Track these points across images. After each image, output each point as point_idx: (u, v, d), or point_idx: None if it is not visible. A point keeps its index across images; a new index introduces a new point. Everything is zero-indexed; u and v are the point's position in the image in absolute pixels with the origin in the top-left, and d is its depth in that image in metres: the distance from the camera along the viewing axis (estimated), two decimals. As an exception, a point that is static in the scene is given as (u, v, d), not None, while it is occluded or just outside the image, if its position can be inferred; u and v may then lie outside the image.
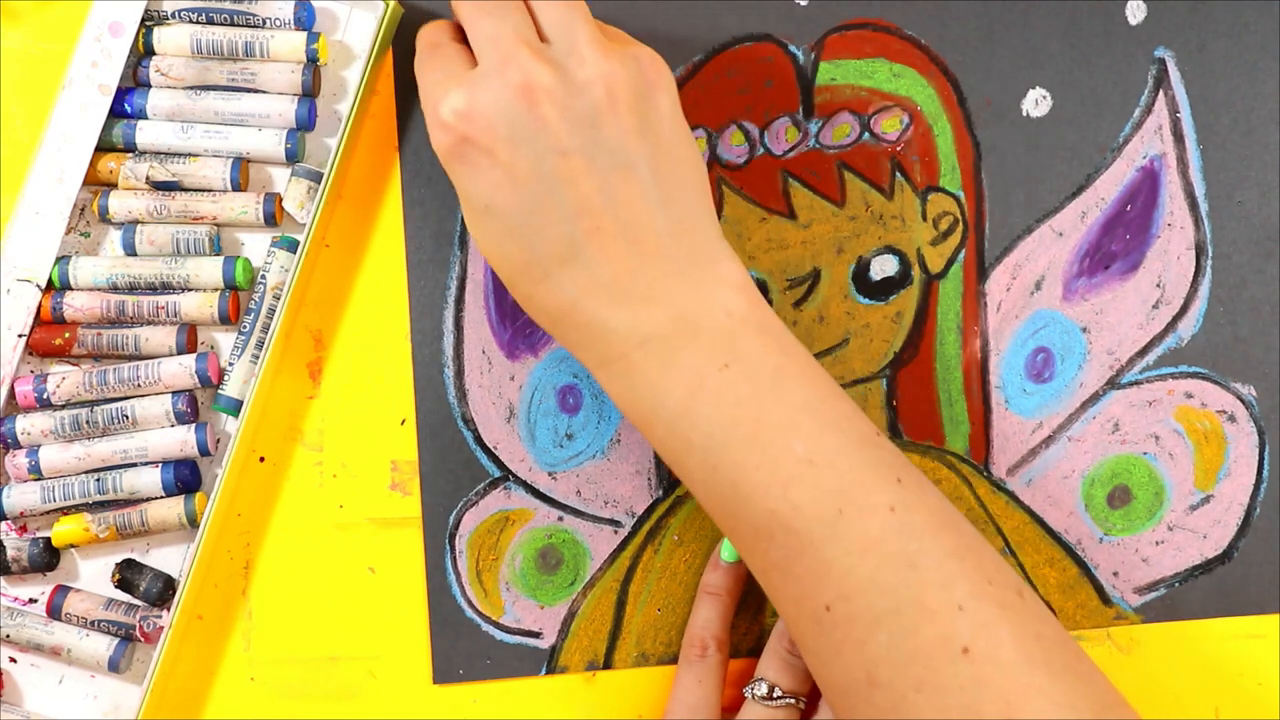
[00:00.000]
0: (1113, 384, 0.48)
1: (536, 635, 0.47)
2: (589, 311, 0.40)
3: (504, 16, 0.40)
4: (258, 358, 0.46)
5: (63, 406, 0.46)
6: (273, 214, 0.47)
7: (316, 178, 0.47)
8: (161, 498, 0.46)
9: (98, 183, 0.47)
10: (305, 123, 0.47)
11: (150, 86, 0.47)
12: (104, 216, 0.47)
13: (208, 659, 0.47)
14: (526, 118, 0.39)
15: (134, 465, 0.46)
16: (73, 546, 0.46)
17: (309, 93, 0.47)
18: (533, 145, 0.39)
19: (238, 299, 0.47)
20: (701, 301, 0.40)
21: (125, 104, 0.47)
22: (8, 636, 0.45)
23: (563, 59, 0.39)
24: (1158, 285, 0.49)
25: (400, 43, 0.48)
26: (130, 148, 0.47)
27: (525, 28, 0.40)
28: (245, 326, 0.46)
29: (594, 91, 0.39)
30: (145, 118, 0.47)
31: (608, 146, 0.39)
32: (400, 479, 0.48)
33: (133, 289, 0.46)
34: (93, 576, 0.47)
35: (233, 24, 0.47)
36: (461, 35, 0.42)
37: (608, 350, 0.40)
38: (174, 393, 0.46)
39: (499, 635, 0.47)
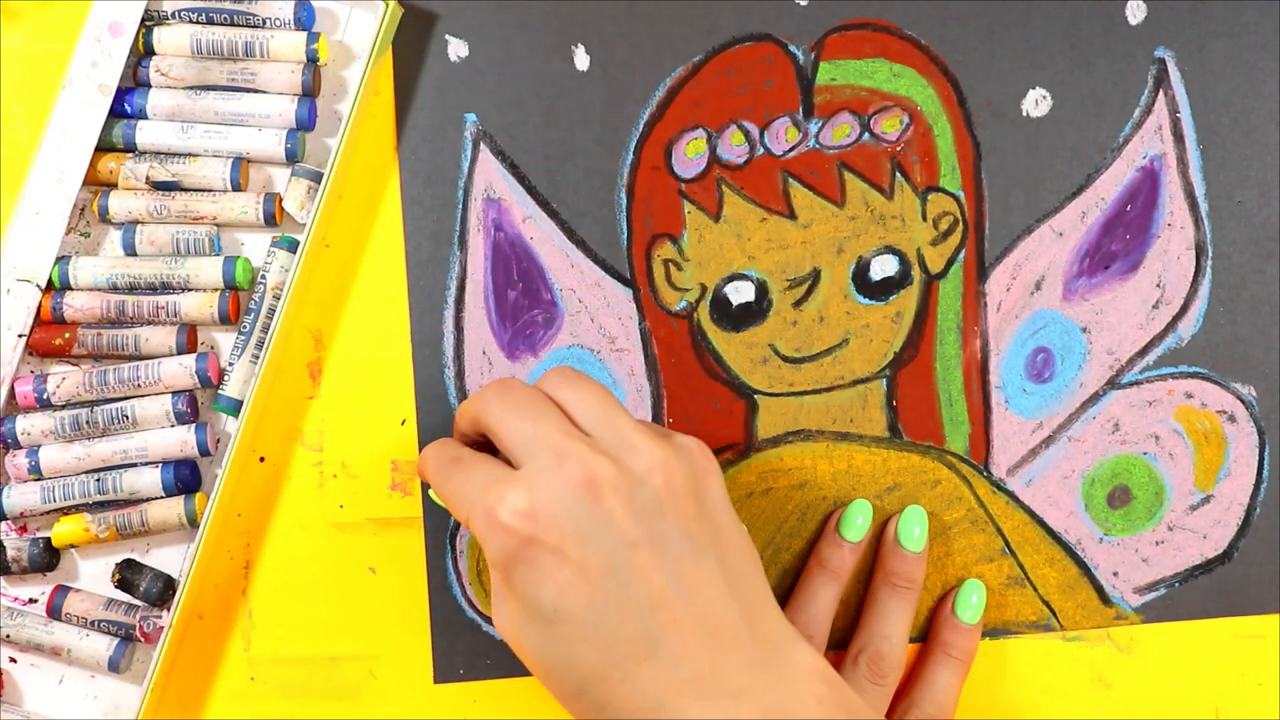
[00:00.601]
0: (1113, 384, 0.48)
1: (536, 635, 0.47)
2: (675, 714, 0.37)
3: (543, 416, 0.39)
4: (258, 358, 0.46)
5: (63, 406, 0.46)
6: (273, 214, 0.47)
7: (316, 178, 0.47)
8: (161, 498, 0.46)
9: (98, 183, 0.47)
10: (305, 123, 0.47)
11: (150, 86, 0.47)
12: (104, 216, 0.47)
13: (208, 659, 0.47)
14: (593, 511, 0.37)
15: (134, 465, 0.46)
16: (73, 546, 0.46)
17: (309, 93, 0.47)
18: (602, 540, 0.37)
19: (238, 299, 0.47)
20: (790, 692, 0.38)
21: (125, 104, 0.47)
22: (8, 636, 0.45)
23: (615, 450, 0.38)
24: (1158, 285, 0.49)
25: (400, 43, 0.48)
26: (130, 148, 0.47)
27: (566, 424, 0.39)
28: (245, 326, 0.46)
29: (654, 480, 0.38)
30: (145, 118, 0.47)
31: (673, 535, 0.38)
32: (400, 479, 0.48)
33: (133, 289, 0.46)
34: (93, 576, 0.47)
35: (233, 24, 0.47)
36: (477, 446, 0.41)
37: None
38: (174, 393, 0.46)
39: (499, 635, 0.47)
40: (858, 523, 0.47)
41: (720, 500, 0.40)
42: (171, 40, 0.47)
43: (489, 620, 0.47)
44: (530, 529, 0.37)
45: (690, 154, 0.48)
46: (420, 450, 0.47)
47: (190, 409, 0.46)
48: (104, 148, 0.47)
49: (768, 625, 0.39)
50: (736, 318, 0.48)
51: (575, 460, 0.37)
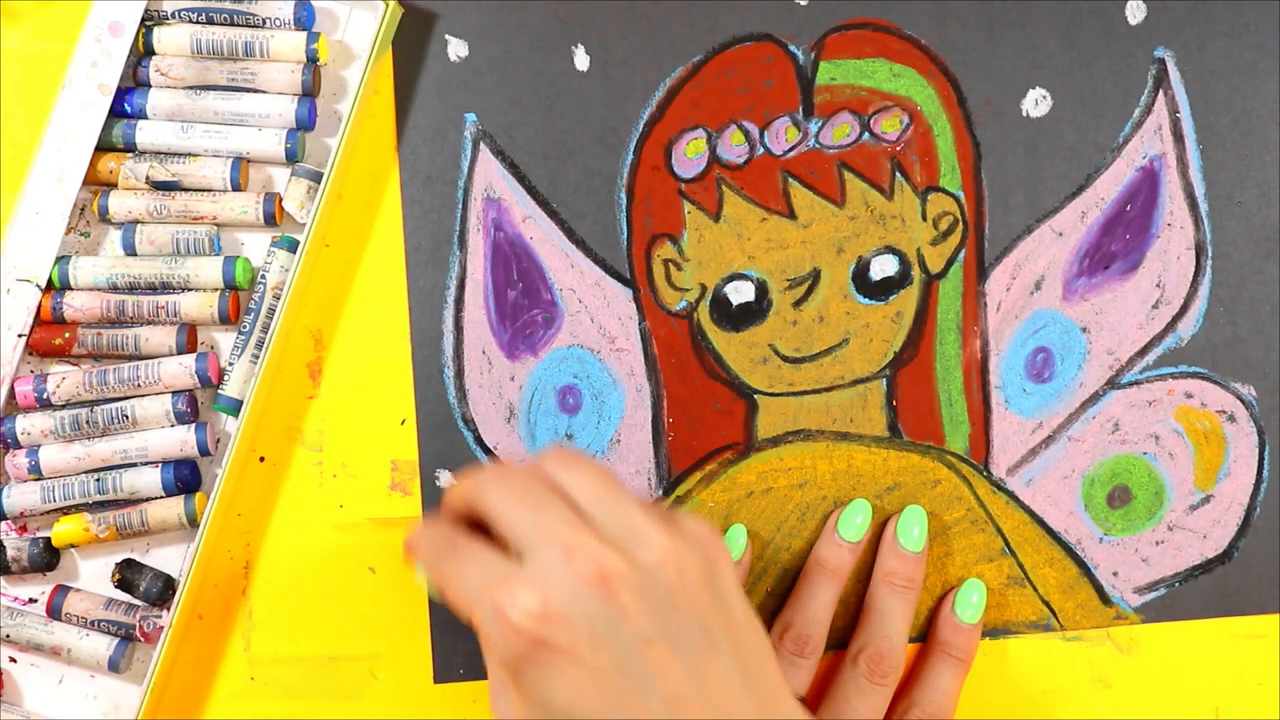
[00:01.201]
0: (1113, 384, 0.48)
1: (536, 635, 0.47)
2: None
3: (546, 505, 0.37)
4: (258, 358, 0.46)
5: (63, 406, 0.46)
6: (273, 214, 0.47)
7: (316, 178, 0.47)
8: (161, 498, 0.46)
9: (98, 183, 0.47)
10: (305, 123, 0.47)
11: (150, 86, 0.47)
12: (104, 216, 0.47)
13: (208, 659, 0.47)
14: (607, 610, 0.36)
15: (134, 465, 0.46)
16: (73, 546, 0.46)
17: (309, 93, 0.47)
18: (616, 638, 0.36)
19: (238, 299, 0.47)
20: None
21: (125, 104, 0.47)
22: (8, 636, 0.45)
23: (624, 541, 0.37)
24: (1158, 285, 0.49)
25: (400, 43, 0.48)
26: (130, 148, 0.47)
27: (570, 513, 0.37)
28: (245, 326, 0.46)
29: (666, 572, 0.37)
30: (145, 118, 0.47)
31: (688, 629, 0.37)
32: (400, 479, 0.48)
33: (133, 289, 0.46)
34: (93, 576, 0.47)
35: (233, 24, 0.47)
36: (472, 529, 0.39)
37: None
38: (174, 393, 0.46)
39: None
40: (857, 522, 0.47)
41: (732, 588, 0.39)
42: (171, 40, 0.47)
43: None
44: (542, 630, 0.36)
45: (690, 154, 0.48)
46: (419, 448, 0.47)
47: (190, 409, 0.46)
48: (104, 148, 0.47)
49: (780, 712, 0.38)
50: (736, 318, 0.48)
51: (585, 555, 0.36)
